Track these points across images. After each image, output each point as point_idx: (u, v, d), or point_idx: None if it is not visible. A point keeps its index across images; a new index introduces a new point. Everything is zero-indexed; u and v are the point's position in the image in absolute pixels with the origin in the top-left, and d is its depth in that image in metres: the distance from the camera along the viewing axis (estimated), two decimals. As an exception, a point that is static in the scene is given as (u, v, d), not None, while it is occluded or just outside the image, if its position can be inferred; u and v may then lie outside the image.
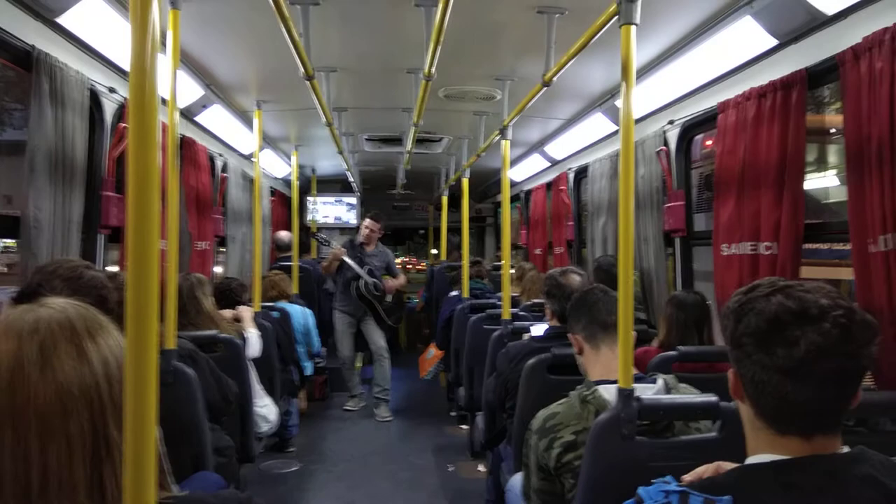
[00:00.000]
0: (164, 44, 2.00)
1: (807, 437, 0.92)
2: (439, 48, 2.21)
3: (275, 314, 3.83)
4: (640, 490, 0.98)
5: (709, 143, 3.78)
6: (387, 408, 5.17)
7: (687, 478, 1.02)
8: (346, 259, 5.02)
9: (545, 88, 2.57)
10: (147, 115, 0.83)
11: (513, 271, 4.53)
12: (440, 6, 1.88)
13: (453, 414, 5.07)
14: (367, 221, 5.29)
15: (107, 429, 0.78)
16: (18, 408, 0.75)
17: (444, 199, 6.58)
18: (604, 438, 1.45)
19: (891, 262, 1.77)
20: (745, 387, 0.97)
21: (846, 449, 0.93)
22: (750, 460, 0.97)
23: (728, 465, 1.02)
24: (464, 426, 4.62)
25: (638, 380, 1.62)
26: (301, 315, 4.25)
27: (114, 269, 2.60)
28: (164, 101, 1.87)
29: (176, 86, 2.00)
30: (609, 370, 1.68)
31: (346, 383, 5.40)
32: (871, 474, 0.88)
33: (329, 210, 7.80)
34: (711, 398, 1.50)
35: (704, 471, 1.05)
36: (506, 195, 3.52)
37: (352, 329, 5.22)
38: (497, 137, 3.44)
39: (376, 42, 2.94)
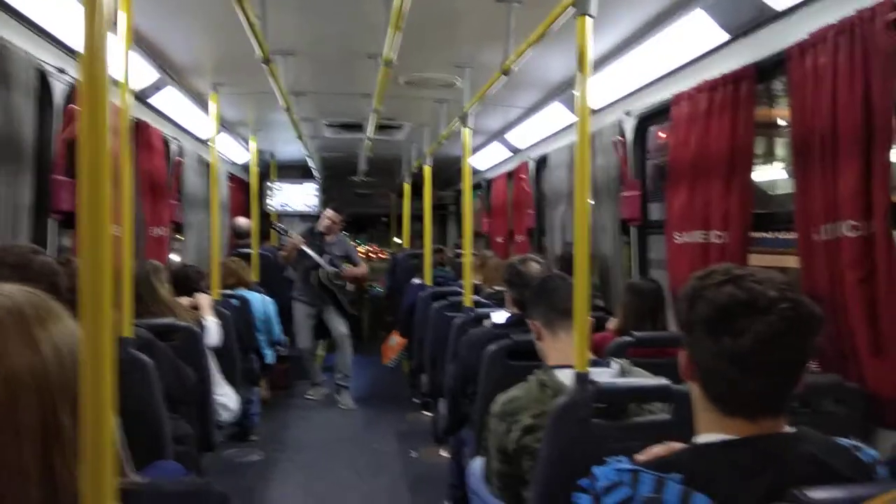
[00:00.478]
0: (116, 24, 1.94)
1: (752, 419, 0.96)
2: (399, 34, 2.20)
3: (234, 302, 3.77)
4: (595, 469, 1.01)
5: (662, 134, 3.86)
6: (348, 395, 5.13)
7: (639, 457, 1.05)
8: (306, 248, 4.92)
9: (505, 77, 2.59)
10: (98, 97, 0.81)
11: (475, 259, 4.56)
12: (400, -9, 1.87)
13: (416, 401, 5.09)
14: (329, 212, 5.17)
15: (57, 416, 0.76)
16: None
17: (407, 187, 6.55)
18: (562, 421, 1.49)
19: (832, 250, 1.86)
20: (695, 369, 1.01)
21: (790, 429, 0.97)
22: (698, 440, 1.00)
23: (678, 446, 1.05)
24: (427, 412, 4.65)
25: (594, 364, 1.66)
26: (261, 303, 4.20)
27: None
28: (116, 83, 1.82)
29: (129, 67, 1.94)
30: (567, 355, 1.71)
31: (307, 373, 5.35)
32: (811, 452, 0.93)
33: (290, 194, 7.66)
34: (664, 381, 1.54)
35: (657, 451, 1.08)
36: (467, 183, 3.54)
37: (311, 320, 5.14)
38: (458, 125, 3.45)
39: (335, 26, 2.90)
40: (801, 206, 2.00)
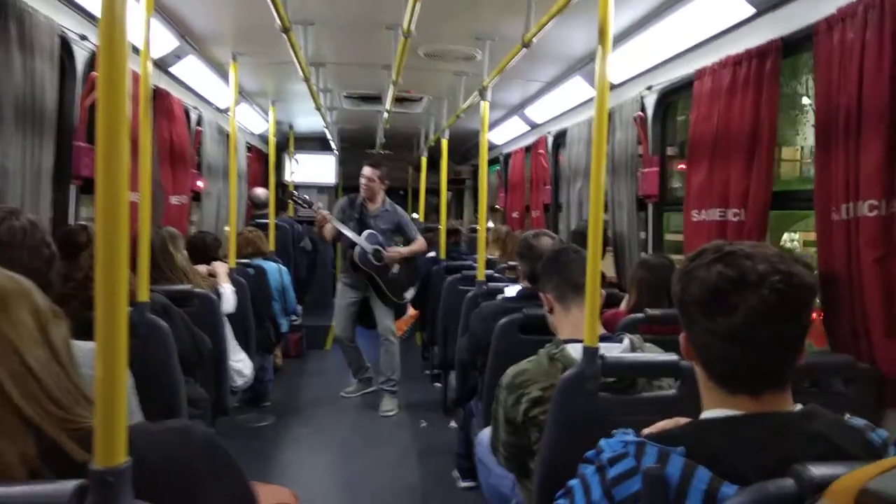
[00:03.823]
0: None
1: (755, 396, 0.96)
2: (418, 4, 2.18)
3: (250, 271, 3.82)
4: (602, 441, 1.01)
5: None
6: (393, 400, 4.39)
7: (646, 431, 1.06)
8: (335, 222, 4.22)
9: (525, 49, 2.55)
10: (117, 64, 0.82)
11: (489, 233, 4.57)
12: (420, -40, 1.85)
13: (427, 372, 5.15)
14: (365, 170, 4.33)
15: (11, 401, 0.78)
16: None
17: (424, 160, 6.53)
18: (569, 394, 1.50)
19: (851, 230, 1.83)
20: (694, 349, 1.01)
21: (798, 407, 0.97)
22: (703, 415, 1.01)
23: (685, 421, 1.05)
24: (437, 384, 4.70)
25: (605, 339, 1.67)
26: (276, 272, 4.25)
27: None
28: (136, 51, 1.83)
29: (149, 34, 1.95)
30: (578, 329, 1.72)
31: (347, 365, 4.63)
32: (820, 431, 0.92)
33: (308, 166, 7.64)
34: (672, 357, 1.55)
35: (664, 425, 1.08)
36: (484, 157, 3.52)
37: (353, 307, 4.41)
38: (477, 99, 3.43)
39: (355, -5, 2.88)
40: (821, 184, 1.97)
